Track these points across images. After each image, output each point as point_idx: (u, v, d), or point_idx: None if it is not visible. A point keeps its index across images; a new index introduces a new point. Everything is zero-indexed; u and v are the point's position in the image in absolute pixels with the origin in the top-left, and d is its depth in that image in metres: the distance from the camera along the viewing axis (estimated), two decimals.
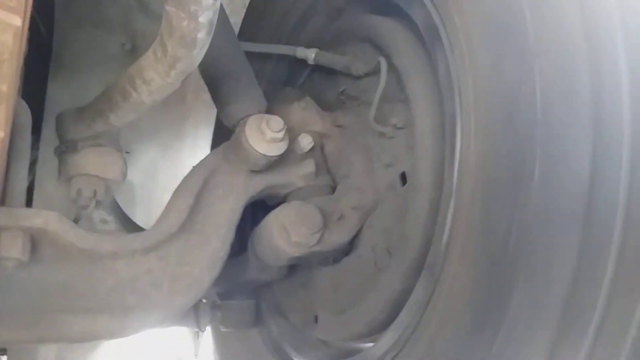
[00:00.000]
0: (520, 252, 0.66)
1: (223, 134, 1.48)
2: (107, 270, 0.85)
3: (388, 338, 0.90)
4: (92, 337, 0.82)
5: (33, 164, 1.10)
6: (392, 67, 1.00)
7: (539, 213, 0.65)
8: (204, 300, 1.21)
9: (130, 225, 1.15)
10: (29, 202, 1.09)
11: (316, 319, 1.12)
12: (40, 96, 1.32)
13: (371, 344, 0.99)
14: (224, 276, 1.03)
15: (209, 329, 1.60)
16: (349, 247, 1.07)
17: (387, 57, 1.01)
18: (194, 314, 1.20)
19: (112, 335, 0.83)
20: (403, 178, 0.98)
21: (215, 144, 1.62)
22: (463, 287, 0.75)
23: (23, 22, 0.52)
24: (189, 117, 1.84)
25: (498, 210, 0.69)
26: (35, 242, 0.79)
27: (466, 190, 0.74)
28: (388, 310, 0.94)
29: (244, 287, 1.25)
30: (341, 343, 1.11)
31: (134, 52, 1.59)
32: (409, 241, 0.90)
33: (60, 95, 1.35)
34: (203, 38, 0.67)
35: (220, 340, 1.46)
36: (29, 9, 0.52)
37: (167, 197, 1.77)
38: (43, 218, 0.77)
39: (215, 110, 1.59)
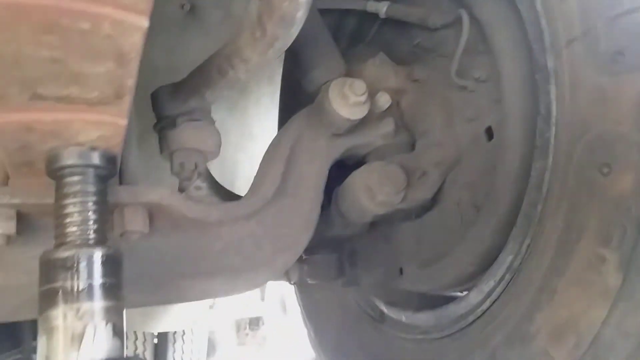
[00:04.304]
0: None
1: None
2: (214, 236, 0.92)
3: (490, 279, 0.93)
4: (210, 297, 0.90)
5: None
6: (472, 19, 0.98)
7: None
8: None
9: (220, 190, 1.21)
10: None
11: (401, 271, 1.17)
12: None
13: (461, 294, 1.03)
14: None
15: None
16: (432, 203, 1.09)
17: (467, 9, 0.99)
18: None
19: (227, 293, 0.90)
20: (488, 132, 0.99)
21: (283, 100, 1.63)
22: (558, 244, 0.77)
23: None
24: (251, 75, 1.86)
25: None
26: (151, 215, 0.86)
27: (564, 146, 0.74)
28: (478, 263, 0.97)
29: (328, 243, 1.31)
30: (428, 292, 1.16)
31: (192, 12, 1.60)
32: (499, 197, 0.91)
33: None
34: (301, 16, 0.68)
35: (305, 293, 1.55)
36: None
37: (238, 155, 1.83)
38: (158, 194, 0.83)
39: (277, 67, 1.61)
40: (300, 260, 1.30)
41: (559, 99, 0.77)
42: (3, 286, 0.81)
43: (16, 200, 0.78)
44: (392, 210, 1.05)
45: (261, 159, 1.08)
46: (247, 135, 1.84)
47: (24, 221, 0.82)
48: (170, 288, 0.87)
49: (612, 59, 0.70)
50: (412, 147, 1.12)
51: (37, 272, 0.73)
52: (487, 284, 0.94)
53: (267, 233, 0.95)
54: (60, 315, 0.66)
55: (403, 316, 1.17)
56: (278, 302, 6.03)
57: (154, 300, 0.87)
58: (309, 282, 1.32)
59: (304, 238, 0.99)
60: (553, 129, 0.79)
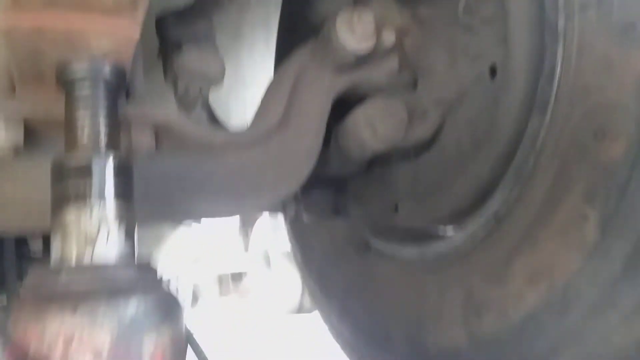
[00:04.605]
0: None
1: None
2: (218, 160, 0.94)
3: (475, 223, 0.98)
4: (216, 216, 0.92)
5: None
6: None
7: None
8: None
9: (217, 124, 1.22)
10: None
11: (396, 207, 1.20)
12: None
13: (452, 230, 1.07)
14: None
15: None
16: (431, 142, 1.11)
17: None
18: (281, 204, 1.30)
19: (233, 213, 0.93)
20: (492, 70, 1.00)
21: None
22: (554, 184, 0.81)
23: None
24: (245, 18, 1.83)
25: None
26: (157, 135, 0.87)
27: (563, 107, 0.77)
28: (473, 197, 1.01)
29: (324, 181, 1.33)
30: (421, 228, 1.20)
31: None
32: (500, 132, 0.94)
33: None
34: None
35: (298, 231, 1.58)
36: None
37: (230, 101, 1.82)
38: (165, 113, 0.84)
39: (274, 11, 1.58)
40: (296, 197, 1.33)
41: (565, 61, 0.81)
42: (12, 198, 0.82)
43: (24, 111, 0.78)
44: (391, 147, 1.07)
45: (265, 90, 1.08)
46: (240, 82, 1.83)
47: (30, 135, 0.82)
48: (177, 206, 0.89)
49: (623, 31, 0.73)
50: (415, 86, 1.13)
51: (45, 185, 0.74)
52: (471, 227, 0.99)
53: (270, 162, 0.97)
54: (74, 217, 0.67)
55: (387, 247, 1.21)
56: (261, 255, 6.14)
57: (161, 217, 0.89)
58: (305, 218, 1.35)
59: (306, 168, 1.01)
60: (555, 89, 0.83)
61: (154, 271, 0.70)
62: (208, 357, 0.79)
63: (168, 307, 0.67)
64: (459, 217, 1.05)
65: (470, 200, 1.02)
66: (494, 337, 0.92)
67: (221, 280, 8.36)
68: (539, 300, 0.83)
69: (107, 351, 0.60)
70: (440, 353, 1.03)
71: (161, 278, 0.70)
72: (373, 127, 1.05)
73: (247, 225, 6.25)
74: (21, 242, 2.14)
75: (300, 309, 5.62)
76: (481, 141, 0.99)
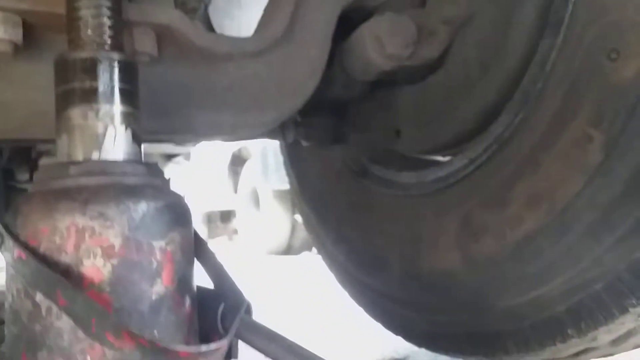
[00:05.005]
0: None
1: None
2: (221, 71, 0.91)
3: (477, 147, 0.98)
4: (219, 131, 0.91)
5: None
6: None
7: None
8: None
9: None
10: None
11: (398, 133, 1.20)
12: None
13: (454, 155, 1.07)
14: None
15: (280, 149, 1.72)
16: (438, 63, 1.09)
17: None
18: (280, 129, 1.29)
19: (236, 129, 0.91)
20: None
21: None
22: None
23: None
24: None
25: None
26: (160, 40, 0.84)
27: (577, 27, 0.75)
28: (478, 121, 1.00)
29: (324, 106, 1.32)
30: (421, 154, 1.20)
31: None
32: (509, 54, 0.92)
33: None
34: None
35: (296, 157, 1.58)
36: None
37: (224, 21, 1.76)
38: (168, 16, 0.81)
39: None
40: (296, 122, 1.32)
41: None
42: (11, 100, 0.80)
43: (23, 6, 0.75)
44: (398, 66, 1.05)
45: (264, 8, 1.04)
46: (235, 3, 1.77)
47: (30, 35, 0.79)
48: (178, 116, 0.88)
49: None
50: (423, 4, 1.10)
51: (46, 88, 0.72)
52: (473, 151, 0.99)
53: (274, 75, 0.95)
54: (80, 115, 0.66)
55: (385, 173, 1.22)
56: (250, 196, 6.16)
57: (162, 128, 0.87)
58: (304, 144, 1.35)
59: (311, 84, 0.99)
60: (570, 7, 0.81)
61: (162, 173, 0.69)
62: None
63: (178, 210, 0.67)
64: (461, 142, 1.06)
65: (474, 125, 1.01)
66: (489, 260, 0.94)
67: (210, 219, 8.42)
68: (538, 222, 0.84)
69: (118, 248, 0.60)
70: (434, 275, 1.06)
71: (169, 180, 0.70)
72: (380, 43, 1.02)
73: (237, 164, 6.23)
74: (8, 173, 2.12)
75: (288, 250, 5.72)
76: (489, 63, 0.98)
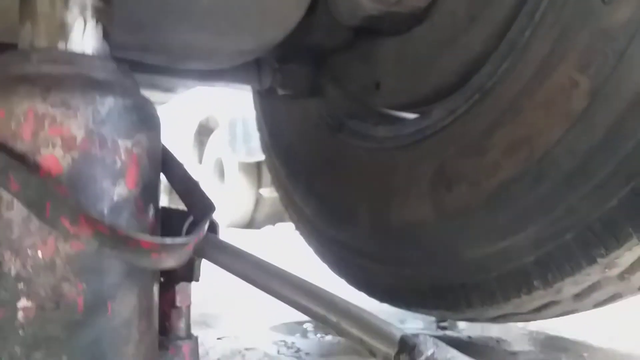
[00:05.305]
0: None
1: None
2: None
3: (458, 98, 0.96)
4: (194, 55, 0.86)
5: None
6: None
7: None
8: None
9: None
10: None
11: (378, 85, 1.17)
12: None
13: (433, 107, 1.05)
14: (286, 38, 1.04)
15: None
16: (424, 14, 1.07)
17: None
18: (256, 73, 1.25)
19: (212, 54, 0.87)
20: None
21: None
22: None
23: None
24: None
25: None
26: None
27: None
28: (461, 72, 0.99)
29: (304, 53, 1.28)
30: (399, 109, 1.18)
31: None
32: (499, 2, 0.91)
33: None
34: None
35: (269, 107, 1.53)
36: None
37: None
38: None
39: None
40: (273, 68, 1.28)
41: None
42: None
43: None
44: (384, 12, 1.03)
45: None
46: None
47: None
48: (152, 33, 0.82)
49: None
50: None
51: None
52: (453, 102, 0.97)
53: (256, 3, 0.91)
54: (47, 4, 0.60)
55: (362, 127, 1.19)
56: (215, 168, 6.06)
57: (134, 43, 0.82)
58: (279, 92, 1.31)
59: (295, 15, 0.95)
60: None
61: (132, 75, 0.65)
62: None
63: (147, 112, 0.62)
64: (442, 95, 1.04)
65: (456, 78, 1.00)
66: (462, 209, 0.93)
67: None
68: (515, 170, 0.84)
69: (80, 141, 0.55)
70: (404, 226, 1.04)
71: (138, 85, 0.65)
72: None
73: (203, 133, 6.11)
74: None
75: (251, 224, 5.66)
76: (477, 14, 0.96)
